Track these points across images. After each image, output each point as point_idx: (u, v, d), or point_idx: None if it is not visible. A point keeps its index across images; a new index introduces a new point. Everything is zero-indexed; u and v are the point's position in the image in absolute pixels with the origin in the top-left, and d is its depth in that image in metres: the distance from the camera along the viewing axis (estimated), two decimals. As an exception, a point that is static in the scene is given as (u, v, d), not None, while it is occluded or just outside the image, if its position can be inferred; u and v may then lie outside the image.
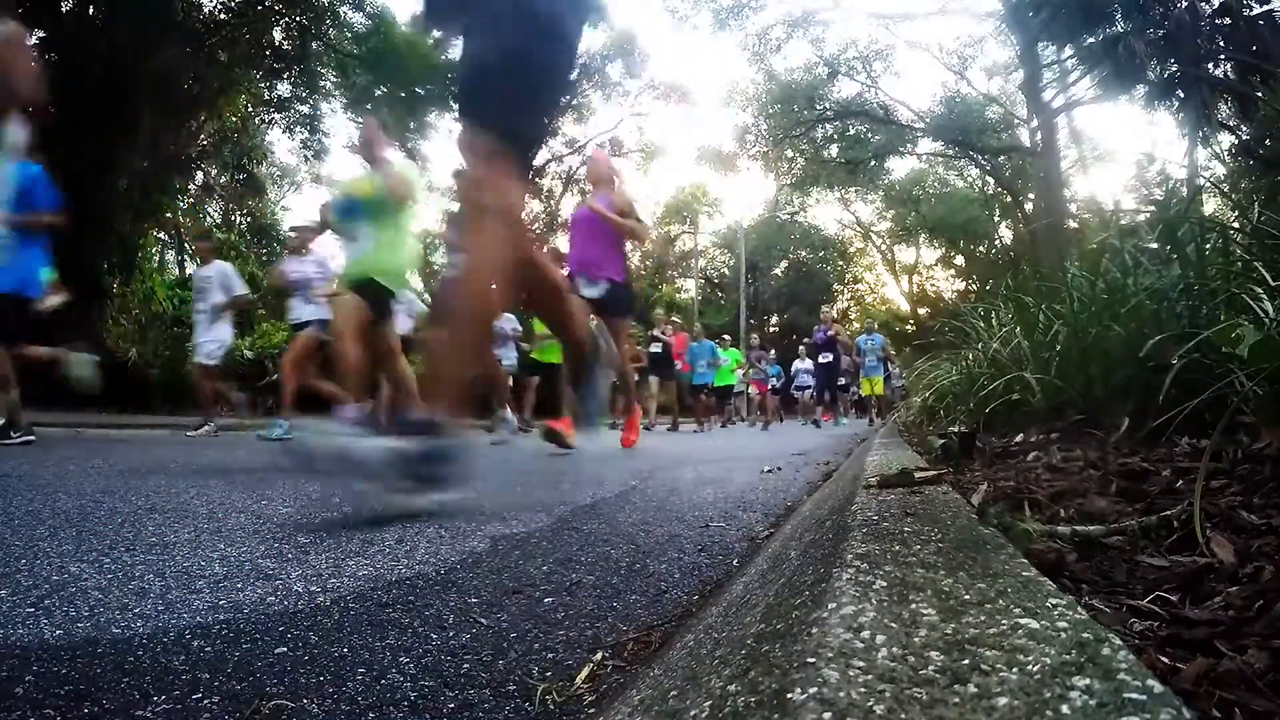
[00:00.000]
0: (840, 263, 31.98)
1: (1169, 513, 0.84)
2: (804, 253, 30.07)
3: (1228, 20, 9.97)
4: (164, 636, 0.86)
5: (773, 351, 18.14)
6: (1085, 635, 0.43)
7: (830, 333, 11.86)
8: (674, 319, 13.50)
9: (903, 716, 0.35)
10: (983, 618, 0.47)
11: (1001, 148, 20.45)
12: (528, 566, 1.29)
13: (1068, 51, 12.58)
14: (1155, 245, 2.25)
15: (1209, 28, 10.21)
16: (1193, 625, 0.56)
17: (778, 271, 29.91)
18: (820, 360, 11.95)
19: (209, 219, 18.51)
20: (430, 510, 1.61)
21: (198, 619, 0.92)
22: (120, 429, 5.04)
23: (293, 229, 5.98)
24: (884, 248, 32.89)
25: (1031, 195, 21.38)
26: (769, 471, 3.07)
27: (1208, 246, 1.83)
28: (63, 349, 4.64)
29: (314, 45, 13.41)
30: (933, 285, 32.90)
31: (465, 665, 0.82)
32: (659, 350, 10.32)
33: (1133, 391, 1.66)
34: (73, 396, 5.12)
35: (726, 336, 16.64)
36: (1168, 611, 0.60)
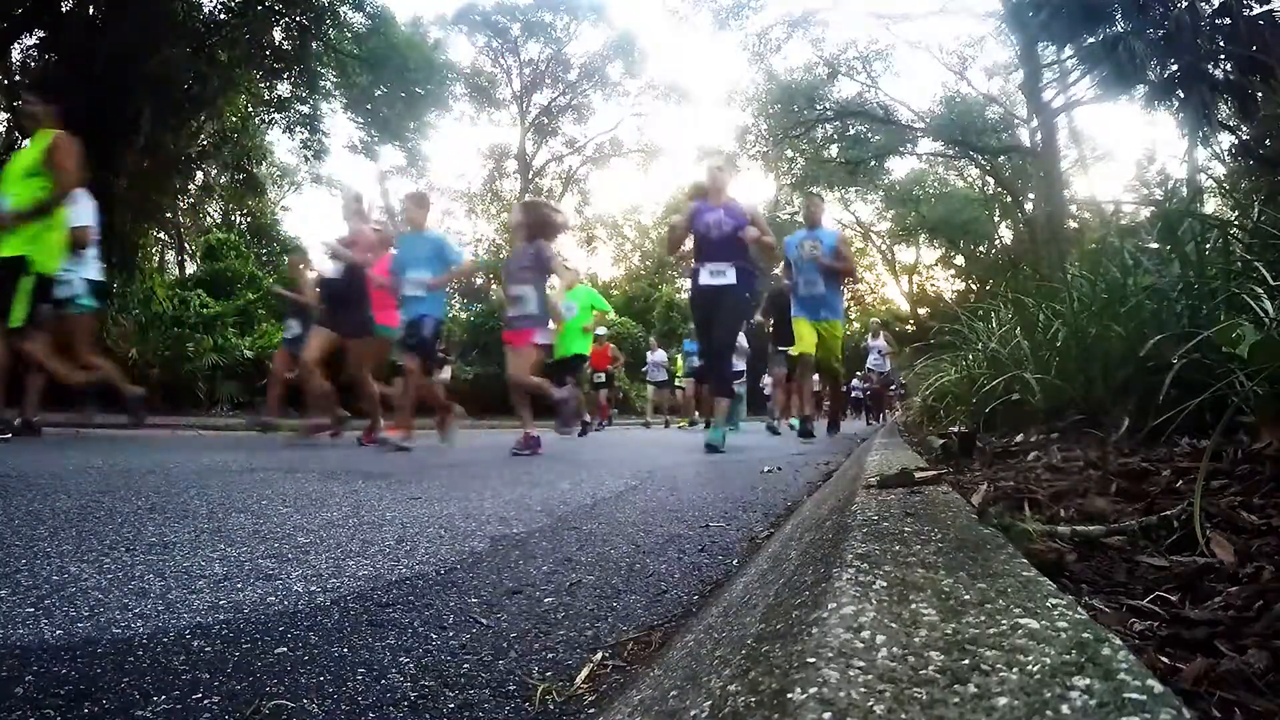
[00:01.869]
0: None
1: (1169, 513, 0.84)
2: (804, 252, 30.04)
3: (1228, 20, 9.97)
4: (164, 636, 0.86)
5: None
6: (1085, 635, 0.42)
7: (740, 224, 4.29)
8: (361, 206, 5.06)
9: (903, 716, 0.35)
10: (983, 618, 0.47)
11: (1001, 148, 20.44)
12: (528, 566, 1.29)
13: (1068, 51, 12.58)
14: (1155, 245, 2.25)
15: (1209, 27, 10.20)
16: (1193, 625, 0.56)
17: (778, 271, 29.88)
18: (704, 281, 4.35)
19: (209, 219, 18.55)
20: None
21: (198, 619, 0.92)
22: (121, 429, 5.02)
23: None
24: (884, 248, 32.93)
25: (1031, 195, 21.37)
26: (769, 471, 3.07)
27: (1208, 246, 1.83)
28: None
29: (314, 45, 13.42)
30: (933, 285, 32.95)
31: (465, 665, 0.82)
32: (337, 278, 4.63)
33: (1133, 391, 1.66)
34: (71, 396, 5.12)
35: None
36: (1168, 611, 0.60)
